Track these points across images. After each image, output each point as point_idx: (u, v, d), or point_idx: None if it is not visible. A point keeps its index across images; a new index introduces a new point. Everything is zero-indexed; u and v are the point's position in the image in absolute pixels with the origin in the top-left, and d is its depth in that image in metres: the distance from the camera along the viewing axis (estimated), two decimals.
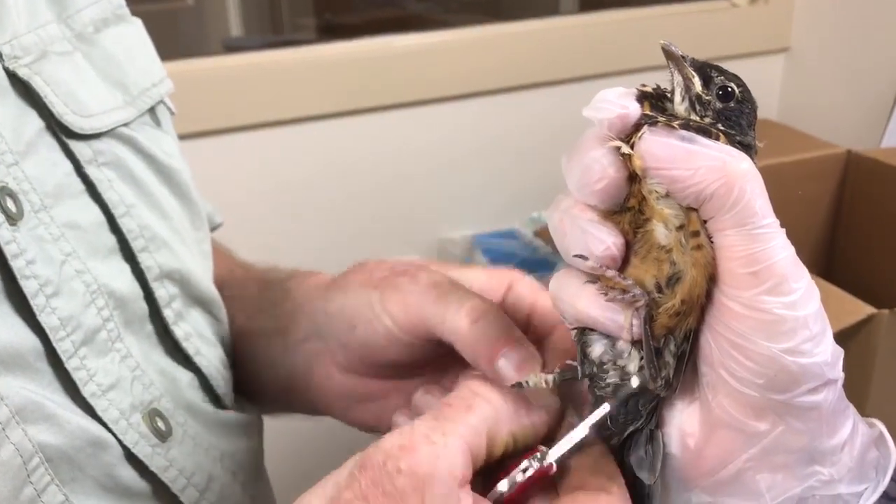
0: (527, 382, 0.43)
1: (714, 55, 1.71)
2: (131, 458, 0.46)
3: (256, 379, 0.59)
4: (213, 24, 1.86)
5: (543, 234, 1.28)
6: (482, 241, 1.51)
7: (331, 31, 1.98)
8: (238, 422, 0.55)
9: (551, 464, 0.40)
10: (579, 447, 0.41)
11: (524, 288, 0.51)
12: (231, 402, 0.57)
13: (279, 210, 1.40)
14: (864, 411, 0.43)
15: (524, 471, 0.40)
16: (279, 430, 0.66)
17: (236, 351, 0.59)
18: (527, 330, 0.49)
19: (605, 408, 0.41)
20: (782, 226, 0.38)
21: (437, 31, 1.54)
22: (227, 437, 0.53)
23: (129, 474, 0.46)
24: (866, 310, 0.91)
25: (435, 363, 0.52)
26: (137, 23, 0.58)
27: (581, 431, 0.41)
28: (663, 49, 0.40)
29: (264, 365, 0.59)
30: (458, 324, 0.46)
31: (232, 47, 1.74)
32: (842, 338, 0.90)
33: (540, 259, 1.40)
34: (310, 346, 0.56)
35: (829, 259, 1.41)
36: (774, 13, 1.73)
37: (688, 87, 0.39)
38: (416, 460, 0.38)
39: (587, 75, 1.56)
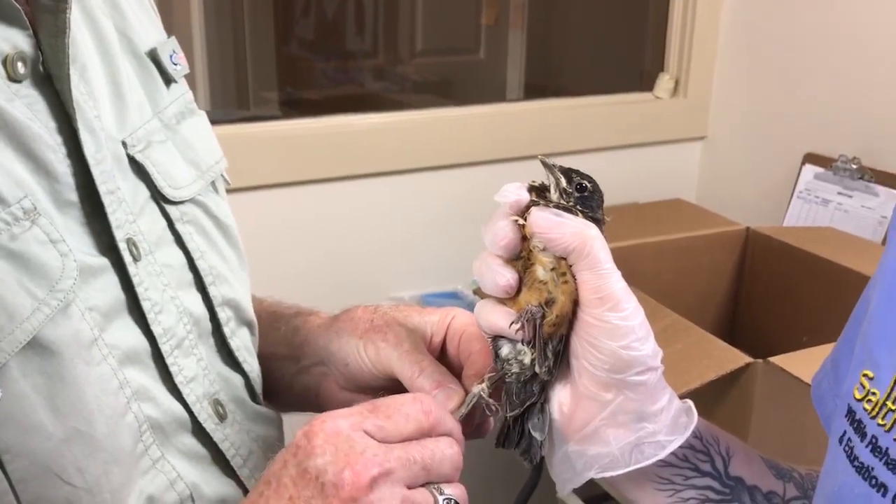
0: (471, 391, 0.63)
1: (639, 141, 1.92)
2: (200, 432, 0.64)
3: (275, 390, 0.78)
4: None
5: (481, 293, 1.43)
6: (428, 300, 1.68)
7: (292, 105, 2.09)
8: (268, 414, 0.74)
9: None
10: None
11: (458, 321, 0.71)
12: (262, 400, 0.75)
13: None
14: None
15: None
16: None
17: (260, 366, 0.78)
18: (458, 346, 0.69)
19: None
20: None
21: (393, 112, 1.70)
22: (261, 425, 0.72)
23: (197, 443, 0.64)
24: (745, 359, 1.08)
25: (400, 385, 0.71)
26: (203, 115, 0.76)
27: None
28: (541, 161, 0.60)
29: (281, 382, 0.78)
30: (407, 378, 0.67)
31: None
32: (725, 382, 1.06)
33: None
34: (318, 370, 0.76)
35: (731, 319, 1.61)
36: (693, 105, 1.92)
37: (558, 184, 0.59)
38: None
39: (527, 155, 1.69)
